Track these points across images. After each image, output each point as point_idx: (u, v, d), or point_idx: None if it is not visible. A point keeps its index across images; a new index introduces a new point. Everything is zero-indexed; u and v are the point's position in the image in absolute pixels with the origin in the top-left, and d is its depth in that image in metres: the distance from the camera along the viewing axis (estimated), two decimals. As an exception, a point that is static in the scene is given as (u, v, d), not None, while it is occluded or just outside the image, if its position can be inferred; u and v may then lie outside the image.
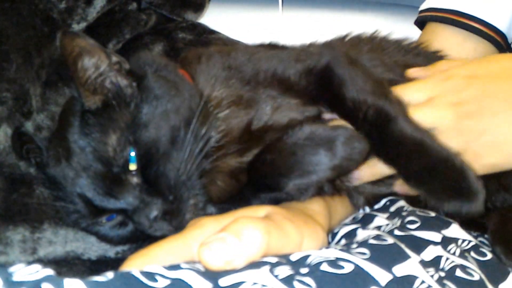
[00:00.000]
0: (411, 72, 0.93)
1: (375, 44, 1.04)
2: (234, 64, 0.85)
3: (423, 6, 1.25)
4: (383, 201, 0.89)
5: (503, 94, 0.81)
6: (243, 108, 0.81)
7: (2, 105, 0.76)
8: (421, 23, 1.27)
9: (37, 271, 0.46)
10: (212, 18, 1.37)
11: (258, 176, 0.77)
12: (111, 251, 0.77)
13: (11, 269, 0.46)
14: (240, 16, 1.63)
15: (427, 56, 1.04)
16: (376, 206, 0.90)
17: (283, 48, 0.96)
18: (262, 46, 0.96)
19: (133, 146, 0.71)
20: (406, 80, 0.91)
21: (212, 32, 1.25)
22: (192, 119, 0.73)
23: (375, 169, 0.81)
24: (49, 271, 0.46)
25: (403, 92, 0.83)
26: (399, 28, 1.13)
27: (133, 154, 0.71)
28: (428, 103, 0.83)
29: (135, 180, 0.72)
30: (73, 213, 0.74)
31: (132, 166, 0.71)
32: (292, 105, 0.82)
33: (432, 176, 0.74)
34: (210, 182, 0.78)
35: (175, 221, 0.71)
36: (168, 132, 0.72)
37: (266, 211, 0.67)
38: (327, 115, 0.83)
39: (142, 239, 0.76)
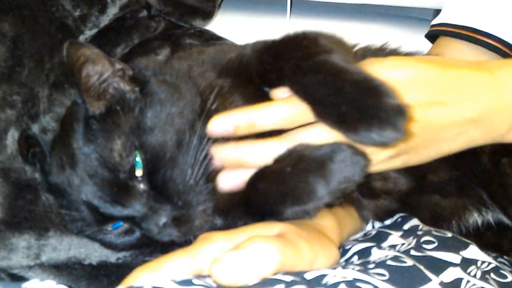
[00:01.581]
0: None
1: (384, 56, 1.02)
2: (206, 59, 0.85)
3: (436, 21, 1.23)
4: (394, 217, 0.88)
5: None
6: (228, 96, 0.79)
7: (12, 109, 0.75)
8: (432, 37, 1.25)
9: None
10: (220, 25, 1.36)
11: (255, 205, 0.74)
12: (112, 257, 0.75)
13: (24, 285, 0.45)
14: (247, 23, 1.62)
15: None
16: (388, 222, 0.88)
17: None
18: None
19: (139, 150, 0.70)
20: None
21: (219, 38, 1.24)
22: (196, 122, 0.72)
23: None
24: None
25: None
26: (408, 39, 1.11)
27: (138, 159, 0.70)
28: None
29: (142, 186, 0.70)
30: (78, 221, 0.73)
31: (139, 172, 0.70)
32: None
33: (339, 100, 0.66)
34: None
35: (184, 227, 0.70)
36: (174, 136, 0.71)
37: (279, 229, 0.66)
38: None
39: (147, 245, 0.75)
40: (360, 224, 0.89)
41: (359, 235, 0.85)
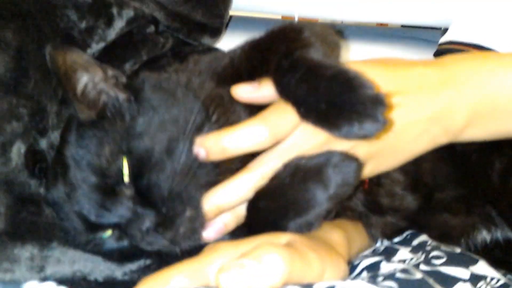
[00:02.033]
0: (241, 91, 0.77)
1: None
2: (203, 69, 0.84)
3: (443, 39, 1.24)
4: (404, 234, 0.87)
5: None
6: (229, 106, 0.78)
7: (18, 121, 0.74)
8: (440, 55, 1.25)
9: None
10: (228, 43, 1.36)
11: (258, 224, 0.72)
12: (118, 272, 0.74)
13: (24, 286, 0.43)
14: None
15: None
16: (397, 239, 0.87)
17: None
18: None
19: (126, 155, 0.69)
20: None
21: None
22: (193, 131, 0.71)
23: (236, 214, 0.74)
24: None
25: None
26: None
27: (125, 164, 0.69)
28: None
29: (128, 191, 0.70)
30: (71, 231, 0.73)
31: (126, 177, 0.70)
32: None
33: (318, 97, 0.65)
34: None
35: (168, 234, 0.68)
36: (164, 143, 0.70)
37: (287, 238, 0.65)
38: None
39: (145, 256, 0.75)
40: (368, 241, 0.88)
41: (367, 252, 0.84)
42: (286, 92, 0.69)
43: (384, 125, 0.62)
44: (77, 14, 0.91)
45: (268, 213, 0.70)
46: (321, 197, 0.67)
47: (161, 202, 0.69)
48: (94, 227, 0.72)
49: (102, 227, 0.71)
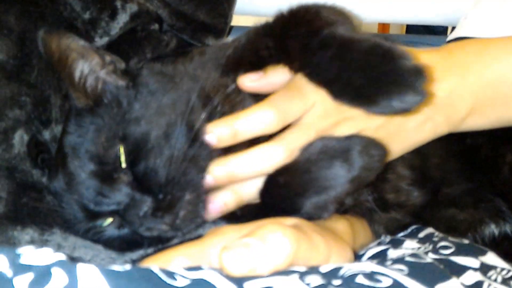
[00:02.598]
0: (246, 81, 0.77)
1: None
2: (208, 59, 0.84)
3: (451, 36, 1.23)
4: (410, 229, 0.85)
5: None
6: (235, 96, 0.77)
7: (21, 109, 0.74)
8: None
9: (48, 255, 0.42)
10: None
11: (273, 200, 0.72)
12: (119, 260, 0.73)
13: (20, 251, 0.42)
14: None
15: None
16: (402, 233, 0.85)
17: None
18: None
19: (121, 141, 0.69)
20: None
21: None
22: (191, 114, 0.70)
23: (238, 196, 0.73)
24: (61, 256, 0.42)
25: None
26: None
27: (121, 150, 0.69)
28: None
29: (126, 177, 0.69)
30: (71, 220, 0.72)
31: (123, 163, 0.69)
32: None
33: (353, 73, 0.64)
34: None
35: (168, 218, 0.67)
36: (161, 127, 0.69)
37: (293, 222, 0.63)
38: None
39: (146, 245, 0.73)
40: (372, 237, 0.87)
41: (372, 244, 0.82)
42: (316, 72, 0.68)
43: (425, 98, 0.61)
44: (81, 4, 0.90)
45: (287, 190, 0.69)
46: (344, 178, 0.67)
47: (158, 187, 0.68)
48: (94, 215, 0.71)
49: (101, 214, 0.71)
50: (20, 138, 0.73)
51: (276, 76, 0.73)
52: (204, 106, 0.72)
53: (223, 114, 0.73)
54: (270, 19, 0.80)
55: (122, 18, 1.00)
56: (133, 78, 0.75)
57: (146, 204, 0.67)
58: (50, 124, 0.79)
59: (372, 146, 0.68)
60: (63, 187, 0.72)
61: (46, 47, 0.71)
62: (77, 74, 0.72)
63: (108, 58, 0.75)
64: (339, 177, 0.67)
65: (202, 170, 0.69)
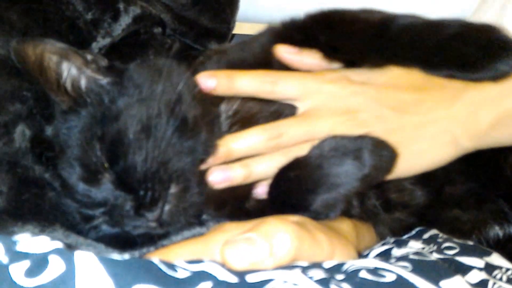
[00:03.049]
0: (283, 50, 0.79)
1: None
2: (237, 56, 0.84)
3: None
4: (414, 230, 0.84)
5: (394, 103, 0.75)
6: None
7: (22, 104, 0.73)
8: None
9: (45, 243, 0.41)
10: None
11: (282, 195, 0.72)
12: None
13: (16, 237, 0.41)
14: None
15: None
16: (407, 235, 0.84)
17: None
18: None
19: (100, 141, 0.68)
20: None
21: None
22: (178, 105, 0.70)
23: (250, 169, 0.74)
24: (59, 244, 0.41)
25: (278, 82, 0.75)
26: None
27: (99, 149, 0.68)
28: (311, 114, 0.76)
29: (109, 176, 0.69)
30: (71, 220, 0.72)
31: (105, 163, 0.68)
32: None
33: (453, 48, 0.69)
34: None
35: (151, 214, 0.66)
36: (140, 121, 0.68)
37: (297, 219, 0.62)
38: None
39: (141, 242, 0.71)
40: (377, 239, 0.86)
41: (377, 245, 0.81)
42: (409, 57, 0.72)
43: None
44: (83, 4, 0.90)
45: (297, 185, 0.70)
46: (355, 175, 0.68)
47: (138, 184, 0.67)
48: (87, 217, 0.70)
49: (94, 217, 0.70)
50: (21, 133, 0.72)
51: (309, 58, 0.76)
52: (194, 98, 0.72)
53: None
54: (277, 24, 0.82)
55: (125, 20, 1.00)
56: (120, 74, 0.74)
57: (128, 202, 0.67)
58: (53, 120, 0.78)
59: (382, 146, 0.69)
60: (60, 189, 0.72)
61: (21, 56, 0.70)
62: (59, 76, 0.72)
63: (89, 56, 0.74)
64: (350, 174, 0.68)
65: (192, 160, 0.69)
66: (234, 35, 1.43)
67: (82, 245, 0.69)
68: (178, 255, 0.57)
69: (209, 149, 0.72)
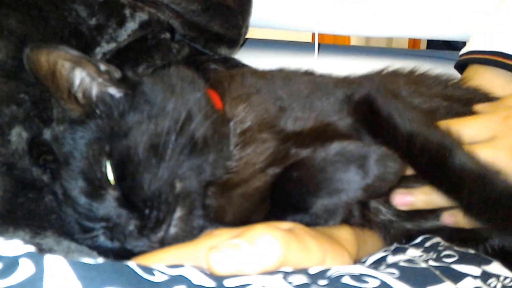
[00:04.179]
0: (478, 108, 0.89)
1: (412, 77, 0.99)
2: (268, 87, 0.82)
3: (464, 50, 1.21)
4: (418, 239, 0.83)
5: None
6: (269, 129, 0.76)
7: (18, 106, 0.74)
8: (461, 67, 1.22)
9: (18, 246, 0.41)
10: (247, 61, 1.35)
11: (283, 195, 0.71)
12: None
13: None
14: (275, 60, 1.62)
15: (467, 90, 0.99)
16: (411, 243, 0.83)
17: (319, 75, 0.92)
18: (297, 72, 0.93)
19: (108, 156, 0.67)
20: (448, 109, 0.87)
21: (244, 66, 1.23)
22: (189, 123, 0.69)
23: (430, 198, 0.76)
24: (31, 248, 0.41)
25: (461, 126, 0.79)
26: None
27: (108, 165, 0.67)
28: (491, 143, 0.80)
29: (114, 193, 0.67)
30: (70, 228, 0.71)
31: (111, 179, 0.67)
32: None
33: (496, 208, 0.69)
34: (230, 201, 0.72)
35: (154, 236, 0.64)
36: (149, 138, 0.67)
37: (288, 226, 0.62)
38: None
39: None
40: (380, 248, 0.84)
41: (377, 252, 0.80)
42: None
43: None
44: (87, 10, 0.90)
45: (299, 185, 0.69)
46: (357, 183, 0.67)
47: (144, 203, 0.65)
48: (87, 229, 0.69)
49: (93, 230, 0.69)
50: (18, 135, 0.73)
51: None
52: (206, 117, 0.71)
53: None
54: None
55: (131, 26, 1.00)
56: (132, 87, 0.73)
57: (131, 222, 0.65)
58: (51, 123, 0.79)
59: (389, 158, 0.69)
60: (59, 194, 0.71)
61: (33, 63, 0.69)
62: (71, 84, 0.71)
63: (103, 66, 0.73)
64: (353, 182, 0.67)
65: (199, 181, 0.68)
66: (246, 39, 1.42)
67: (74, 252, 0.69)
68: (165, 260, 0.57)
69: (217, 170, 0.71)
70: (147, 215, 0.65)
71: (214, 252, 0.53)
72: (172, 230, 0.66)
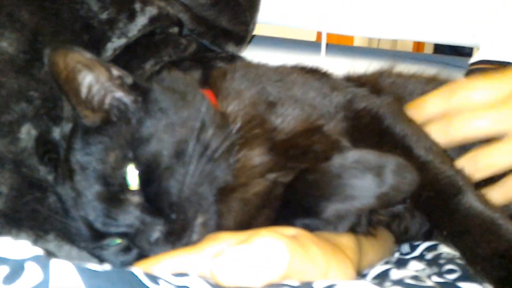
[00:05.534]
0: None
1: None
2: (260, 81, 0.81)
3: (473, 59, 1.20)
4: (419, 250, 0.82)
5: None
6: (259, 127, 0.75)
7: (28, 103, 0.73)
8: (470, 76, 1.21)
9: (25, 248, 0.41)
10: (255, 59, 1.35)
11: (296, 197, 0.71)
12: None
13: None
14: (283, 58, 1.61)
15: None
16: (413, 255, 0.82)
17: (319, 74, 0.92)
18: (297, 68, 0.93)
19: (133, 162, 0.66)
20: None
21: (251, 64, 1.21)
22: (203, 131, 0.69)
23: None
24: (38, 251, 0.41)
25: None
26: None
27: (131, 171, 0.66)
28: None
29: (136, 199, 0.66)
30: (76, 234, 0.70)
31: (132, 185, 0.66)
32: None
33: (502, 265, 0.63)
34: (228, 206, 0.72)
35: (179, 243, 0.64)
36: (172, 146, 0.67)
37: (293, 232, 0.61)
38: None
39: None
40: (382, 257, 0.84)
41: (379, 263, 0.79)
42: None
43: None
44: (98, 4, 0.89)
45: (314, 189, 0.69)
46: (372, 191, 0.67)
47: (170, 208, 0.65)
48: (100, 236, 0.68)
49: (109, 235, 0.68)
50: (27, 133, 0.72)
51: None
52: (217, 126, 0.71)
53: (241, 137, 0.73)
54: None
55: (141, 21, 0.99)
56: (142, 93, 0.72)
57: (158, 227, 0.64)
58: (60, 121, 0.78)
59: (406, 169, 0.69)
60: (70, 202, 0.70)
61: (53, 66, 0.68)
62: (84, 90, 0.70)
63: (115, 72, 0.72)
64: (368, 189, 0.67)
65: (214, 188, 0.68)
66: (253, 36, 1.42)
67: (74, 258, 0.68)
68: (169, 264, 0.57)
69: (227, 176, 0.71)
70: (174, 220, 0.64)
71: (219, 260, 0.52)
72: (195, 236, 0.65)
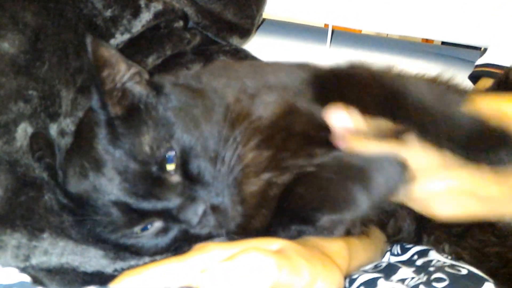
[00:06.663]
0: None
1: None
2: (237, 78, 0.83)
3: (480, 61, 1.20)
4: (410, 254, 0.84)
5: None
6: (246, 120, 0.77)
7: (26, 103, 0.74)
8: (475, 78, 1.21)
9: (12, 275, 0.42)
10: (260, 49, 1.35)
11: (290, 209, 0.73)
12: (109, 268, 0.71)
13: None
14: (288, 49, 1.62)
15: None
16: (403, 258, 0.84)
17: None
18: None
19: (172, 142, 0.70)
20: None
21: (254, 58, 1.23)
22: (222, 124, 0.72)
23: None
24: (25, 277, 0.42)
25: None
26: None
27: (172, 152, 0.70)
28: None
29: (176, 178, 0.70)
30: (107, 225, 0.71)
31: (171, 164, 0.70)
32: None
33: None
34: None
35: (221, 216, 0.69)
36: (201, 133, 0.71)
37: (279, 245, 0.63)
38: None
39: (179, 247, 0.73)
40: (373, 258, 0.85)
41: (369, 266, 0.81)
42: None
43: None
44: (102, 2, 0.90)
45: (304, 202, 0.71)
46: (363, 202, 0.68)
47: (209, 185, 0.69)
48: (138, 218, 0.71)
49: (148, 214, 0.70)
50: (23, 132, 0.73)
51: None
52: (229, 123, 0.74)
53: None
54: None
55: (145, 17, 1.00)
56: (156, 89, 0.76)
57: (203, 200, 0.69)
58: (58, 117, 0.79)
59: (394, 167, 0.69)
60: (97, 189, 0.71)
61: (95, 53, 0.71)
62: (110, 82, 0.73)
63: (134, 68, 0.76)
64: (356, 201, 0.68)
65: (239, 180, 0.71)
66: (263, 19, 1.42)
67: (69, 254, 0.68)
68: (154, 275, 0.58)
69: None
70: (215, 195, 0.69)
71: (206, 276, 0.54)
72: (230, 211, 0.70)
